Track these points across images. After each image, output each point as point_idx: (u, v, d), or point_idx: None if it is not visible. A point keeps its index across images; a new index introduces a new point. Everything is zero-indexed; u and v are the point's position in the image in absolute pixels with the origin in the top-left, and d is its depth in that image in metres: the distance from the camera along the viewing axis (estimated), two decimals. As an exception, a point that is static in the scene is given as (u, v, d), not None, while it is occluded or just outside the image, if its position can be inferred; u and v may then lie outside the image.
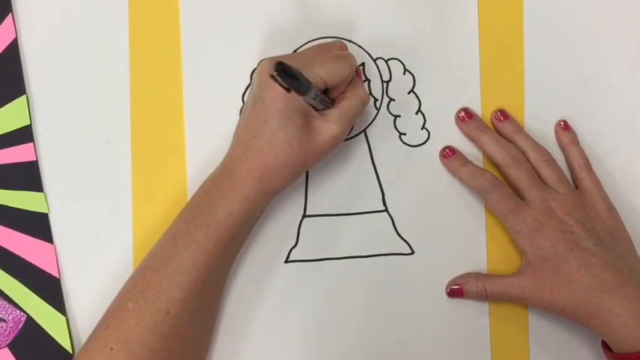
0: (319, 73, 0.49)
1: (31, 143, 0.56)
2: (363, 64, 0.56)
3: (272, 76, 0.47)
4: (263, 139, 0.49)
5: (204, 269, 0.49)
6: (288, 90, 0.47)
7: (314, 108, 0.50)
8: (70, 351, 0.55)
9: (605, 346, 0.52)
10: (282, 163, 0.49)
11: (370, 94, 0.56)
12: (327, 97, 0.51)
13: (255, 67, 0.56)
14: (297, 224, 0.56)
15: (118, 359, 0.47)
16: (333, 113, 0.50)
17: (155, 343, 0.48)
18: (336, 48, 0.53)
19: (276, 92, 0.48)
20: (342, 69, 0.50)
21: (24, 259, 0.56)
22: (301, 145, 0.49)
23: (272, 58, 0.50)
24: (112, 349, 0.47)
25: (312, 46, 0.54)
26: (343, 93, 0.52)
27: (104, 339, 0.48)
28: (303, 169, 0.51)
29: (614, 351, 0.51)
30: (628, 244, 0.54)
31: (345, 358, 0.56)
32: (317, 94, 0.49)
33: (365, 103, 0.52)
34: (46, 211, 0.56)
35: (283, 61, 0.47)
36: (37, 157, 0.56)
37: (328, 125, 0.49)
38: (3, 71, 0.56)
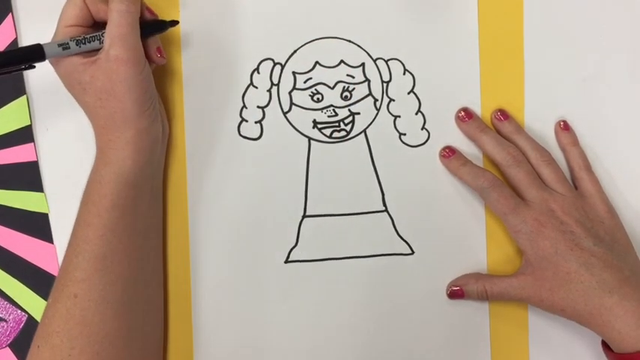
0: (63, 23, 0.49)
1: (31, 143, 0.56)
2: (363, 64, 0.56)
3: None
4: (87, 111, 0.50)
5: (97, 243, 0.48)
6: (27, 68, 0.48)
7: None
8: (71, 351, 0.55)
9: (606, 345, 0.52)
10: (108, 114, 0.49)
11: (370, 94, 0.56)
12: (82, 38, 0.49)
13: (256, 67, 0.56)
14: (297, 224, 0.56)
15: (42, 354, 0.47)
16: (105, 39, 0.48)
17: (71, 330, 0.47)
18: None
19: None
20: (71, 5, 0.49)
21: (24, 259, 0.56)
22: (105, 90, 0.48)
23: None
24: (38, 346, 0.47)
25: None
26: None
27: (34, 339, 0.48)
28: (137, 95, 0.49)
29: (615, 351, 0.51)
30: (627, 244, 0.54)
31: (345, 358, 0.56)
32: (64, 43, 0.48)
33: (129, 10, 0.49)
34: (46, 211, 0.56)
35: None
36: (37, 157, 0.56)
37: (106, 56, 0.48)
38: (3, 71, 0.56)
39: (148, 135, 0.50)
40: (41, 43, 0.48)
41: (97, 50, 0.49)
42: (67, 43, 0.48)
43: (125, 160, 0.49)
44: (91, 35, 0.49)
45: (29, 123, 0.56)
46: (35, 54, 0.47)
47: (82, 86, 0.49)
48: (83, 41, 0.49)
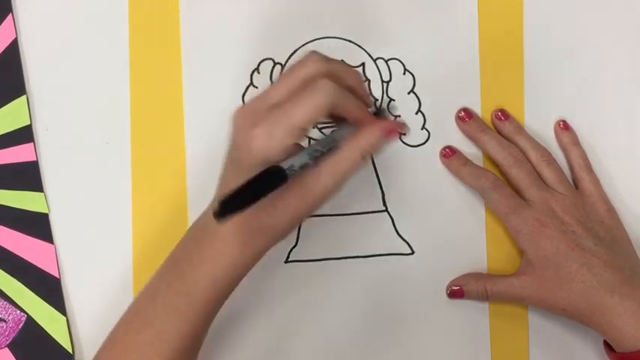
0: (298, 124, 0.42)
1: (31, 143, 0.56)
2: (363, 64, 0.56)
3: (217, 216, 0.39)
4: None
5: (187, 337, 0.46)
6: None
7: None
8: (70, 351, 0.55)
9: (608, 345, 0.52)
10: (266, 225, 0.44)
11: (370, 94, 0.56)
12: (316, 150, 0.44)
13: (256, 67, 0.56)
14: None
15: None
16: (327, 163, 0.44)
17: None
18: (303, 67, 0.44)
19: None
20: (317, 104, 0.42)
21: (24, 259, 0.56)
22: (287, 205, 0.44)
23: (244, 112, 0.44)
24: None
25: (280, 79, 0.45)
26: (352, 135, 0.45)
27: None
28: (293, 229, 0.46)
29: (617, 350, 0.51)
30: (628, 244, 0.54)
31: (345, 358, 0.56)
32: (294, 167, 0.42)
33: (355, 162, 0.44)
34: (46, 211, 0.56)
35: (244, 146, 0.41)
36: (37, 157, 0.56)
37: (320, 180, 0.44)
38: (3, 71, 0.56)
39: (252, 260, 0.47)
40: (281, 166, 0.41)
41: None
42: (301, 153, 0.42)
43: (247, 268, 0.47)
44: (314, 153, 0.43)
45: (29, 123, 0.56)
46: (278, 180, 0.41)
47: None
48: (300, 163, 0.42)
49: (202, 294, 0.46)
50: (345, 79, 0.45)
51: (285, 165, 0.42)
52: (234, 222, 0.42)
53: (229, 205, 0.37)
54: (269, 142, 0.42)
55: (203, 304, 0.46)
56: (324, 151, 0.44)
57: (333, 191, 0.45)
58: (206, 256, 0.46)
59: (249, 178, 0.40)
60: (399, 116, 0.56)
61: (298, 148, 0.44)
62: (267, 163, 0.42)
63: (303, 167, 0.43)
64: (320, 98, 0.42)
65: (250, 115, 0.43)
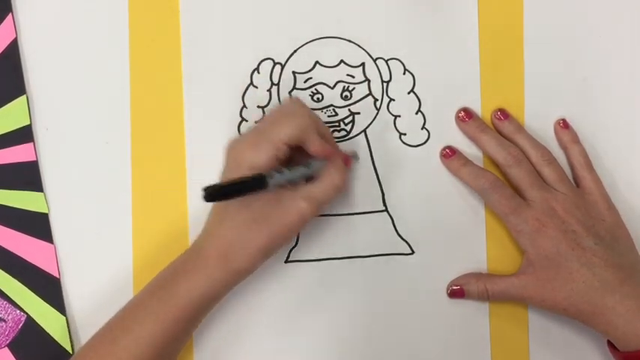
0: (280, 136, 0.48)
1: (31, 143, 0.56)
2: (363, 64, 0.56)
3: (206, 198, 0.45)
4: (228, 215, 0.49)
5: (161, 343, 0.48)
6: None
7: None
8: (70, 351, 0.55)
9: (611, 345, 0.52)
10: (246, 240, 0.48)
11: (370, 94, 0.56)
12: (294, 172, 0.49)
13: (256, 67, 0.56)
14: (297, 224, 0.56)
15: None
16: (305, 189, 0.49)
17: None
18: (288, 103, 0.52)
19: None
20: (298, 124, 0.49)
21: (24, 259, 0.56)
22: (266, 220, 0.48)
23: (234, 138, 0.51)
24: None
25: (267, 114, 0.54)
26: (323, 172, 0.50)
27: None
28: (271, 246, 0.49)
29: (620, 349, 0.51)
30: (629, 242, 0.54)
31: (345, 358, 0.56)
32: (278, 179, 0.48)
33: (338, 190, 0.50)
34: (46, 211, 0.56)
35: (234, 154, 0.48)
36: (37, 157, 0.56)
37: (296, 200, 0.49)
38: (3, 71, 0.56)
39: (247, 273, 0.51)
40: (263, 173, 0.47)
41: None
42: (282, 171, 0.48)
43: (226, 285, 0.50)
44: (302, 167, 0.50)
45: (29, 123, 0.56)
46: (259, 184, 0.47)
47: (257, 199, 0.48)
48: (284, 178, 0.48)
49: (182, 302, 0.49)
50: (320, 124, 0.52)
51: (267, 175, 0.47)
52: (217, 243, 0.49)
53: (215, 192, 0.44)
54: (255, 152, 0.48)
55: (182, 312, 0.49)
56: (301, 178, 0.50)
57: (307, 215, 0.49)
58: (188, 267, 0.49)
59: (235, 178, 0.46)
60: (399, 116, 0.56)
61: (280, 169, 0.49)
62: (253, 169, 0.48)
63: (283, 186, 0.49)
64: (300, 118, 0.49)
65: (240, 137, 0.51)
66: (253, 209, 0.48)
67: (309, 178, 0.51)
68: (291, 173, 0.49)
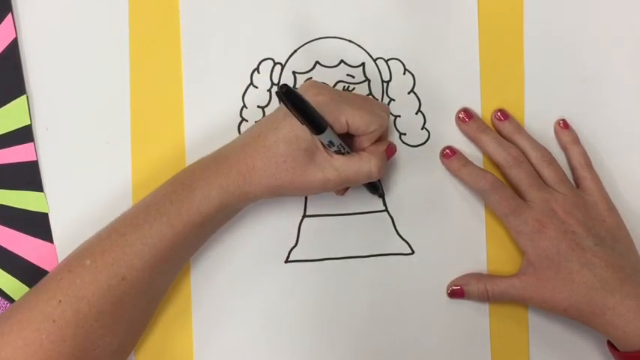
0: (347, 115, 0.49)
1: (31, 143, 0.56)
2: (363, 64, 0.56)
3: (277, 93, 0.45)
4: (265, 142, 0.49)
5: (169, 245, 0.49)
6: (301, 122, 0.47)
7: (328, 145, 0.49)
8: (70, 351, 0.55)
9: (611, 345, 0.52)
10: (269, 172, 0.49)
11: (370, 94, 0.56)
12: (343, 146, 0.50)
13: (256, 67, 0.56)
14: (297, 224, 0.56)
15: (64, 312, 0.47)
16: (340, 160, 0.49)
17: (105, 305, 0.47)
18: (378, 106, 0.52)
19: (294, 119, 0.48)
20: (369, 121, 0.49)
21: (24, 259, 0.56)
22: (294, 167, 0.48)
23: (312, 82, 0.51)
24: (60, 301, 0.47)
25: (359, 94, 0.54)
26: (363, 151, 0.51)
27: (54, 290, 0.47)
28: (285, 191, 0.50)
29: (621, 350, 0.51)
30: (629, 243, 0.54)
31: (345, 358, 0.56)
32: (331, 141, 0.48)
33: (371, 177, 0.50)
34: (46, 211, 0.56)
35: (317, 91, 0.48)
36: (37, 157, 0.56)
37: (327, 168, 0.49)
38: (3, 71, 0.56)
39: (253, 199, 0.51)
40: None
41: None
42: (332, 142, 0.49)
43: (235, 202, 0.50)
44: (342, 148, 0.50)
45: (29, 123, 0.56)
46: (319, 126, 0.47)
47: (298, 143, 0.48)
48: (334, 144, 0.49)
49: (194, 206, 0.49)
50: None
51: (329, 128, 0.47)
52: (244, 161, 0.49)
53: (288, 95, 0.44)
54: (320, 107, 0.47)
55: (193, 215, 0.49)
56: (343, 152, 0.50)
57: (330, 186, 0.49)
58: (207, 174, 0.49)
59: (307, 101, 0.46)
60: (399, 116, 0.56)
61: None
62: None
63: (325, 146, 0.49)
64: (374, 118, 0.50)
65: (321, 86, 0.51)
66: (289, 150, 0.48)
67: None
68: (341, 147, 0.49)
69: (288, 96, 0.44)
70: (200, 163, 0.51)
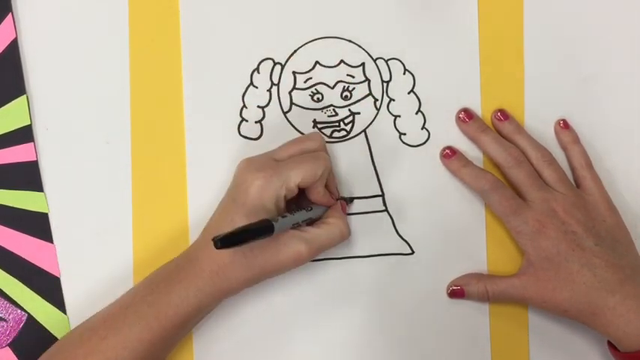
0: (292, 180, 0.49)
1: (31, 143, 0.56)
2: (363, 64, 0.56)
3: (217, 247, 0.45)
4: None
5: (148, 347, 0.49)
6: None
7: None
8: (71, 351, 0.55)
9: (612, 345, 0.52)
10: (239, 265, 0.49)
11: (370, 94, 0.56)
12: (305, 209, 0.51)
13: (256, 67, 0.56)
14: (297, 224, 0.56)
15: None
16: (309, 233, 0.50)
17: None
18: (313, 147, 0.52)
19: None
20: (314, 170, 0.50)
21: (24, 259, 0.56)
22: (262, 252, 0.49)
23: (245, 166, 0.51)
24: None
25: (287, 144, 0.53)
26: (328, 218, 0.52)
27: None
28: (261, 277, 0.50)
29: (621, 350, 0.51)
30: (629, 243, 0.54)
31: (345, 358, 0.56)
32: (283, 224, 0.48)
33: (343, 238, 0.52)
34: (46, 211, 0.56)
35: (253, 176, 0.48)
36: (37, 157, 0.56)
37: (296, 242, 0.49)
38: (3, 71, 0.56)
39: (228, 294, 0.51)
40: (270, 220, 0.47)
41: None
42: (286, 215, 0.49)
43: (212, 300, 0.50)
44: (300, 220, 0.50)
45: (29, 123, 0.56)
46: (266, 230, 0.47)
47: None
48: (290, 222, 0.49)
49: (171, 310, 0.49)
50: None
51: (273, 220, 0.47)
52: (213, 259, 0.49)
53: (225, 240, 0.44)
54: (266, 188, 0.49)
55: (171, 318, 0.49)
56: (303, 221, 0.51)
57: (304, 259, 0.50)
58: (181, 276, 0.50)
59: (244, 225, 0.46)
60: (399, 116, 0.56)
61: (282, 212, 0.50)
62: (258, 207, 0.49)
63: (284, 230, 0.49)
64: (318, 165, 0.50)
65: (256, 163, 0.51)
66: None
67: (309, 221, 0.52)
68: (294, 218, 0.50)
69: (226, 242, 0.45)
70: (174, 265, 0.51)
